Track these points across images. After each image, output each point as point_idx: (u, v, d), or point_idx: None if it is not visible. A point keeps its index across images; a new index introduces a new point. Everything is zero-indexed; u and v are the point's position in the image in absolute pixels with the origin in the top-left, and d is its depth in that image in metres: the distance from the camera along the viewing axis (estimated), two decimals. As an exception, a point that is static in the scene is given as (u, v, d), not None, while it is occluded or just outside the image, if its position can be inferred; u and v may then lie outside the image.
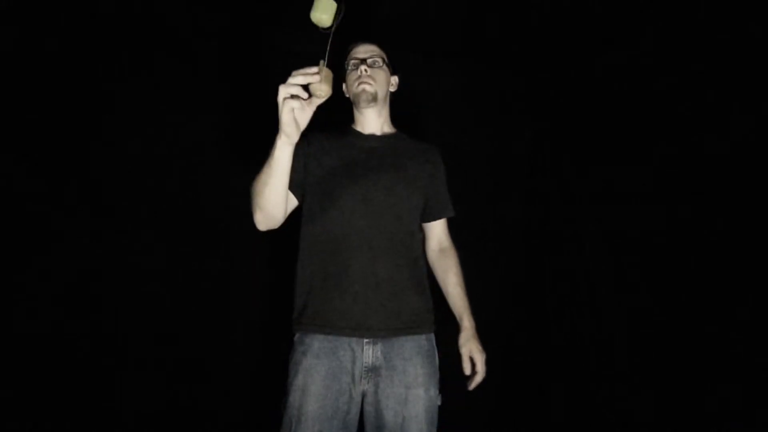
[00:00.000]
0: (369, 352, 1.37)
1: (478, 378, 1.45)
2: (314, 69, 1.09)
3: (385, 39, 1.61)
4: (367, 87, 1.49)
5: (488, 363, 1.46)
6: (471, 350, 1.47)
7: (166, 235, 1.96)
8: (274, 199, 1.28)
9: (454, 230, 1.67)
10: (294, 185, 1.39)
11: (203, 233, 2.00)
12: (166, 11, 1.90)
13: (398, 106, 1.62)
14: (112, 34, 1.84)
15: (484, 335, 1.52)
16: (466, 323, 1.52)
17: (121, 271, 1.90)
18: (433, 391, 1.39)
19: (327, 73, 1.09)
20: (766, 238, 1.56)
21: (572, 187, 2.32)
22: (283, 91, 1.09)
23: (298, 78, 1.08)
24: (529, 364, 2.45)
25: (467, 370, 1.45)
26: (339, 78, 1.49)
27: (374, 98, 1.49)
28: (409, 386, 1.35)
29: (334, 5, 1.12)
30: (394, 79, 1.60)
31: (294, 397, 1.31)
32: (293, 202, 1.43)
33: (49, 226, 1.80)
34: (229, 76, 2.00)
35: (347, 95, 1.57)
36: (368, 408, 1.36)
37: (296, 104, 1.10)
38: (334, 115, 1.50)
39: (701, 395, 1.73)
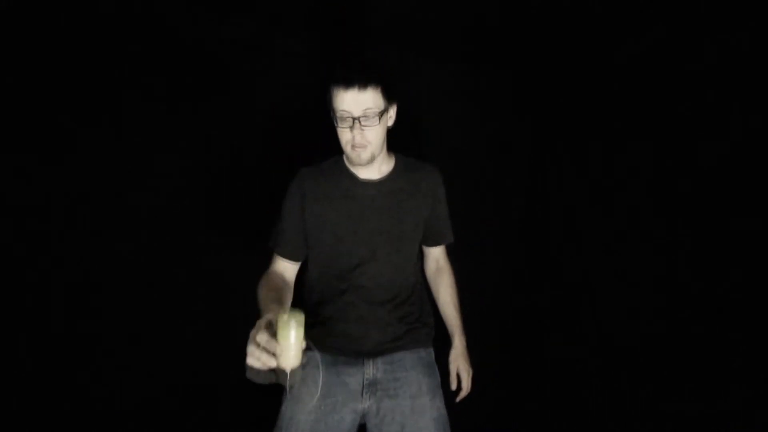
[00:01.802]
0: (369, 365, 1.38)
1: (463, 393, 1.55)
2: (273, 348, 0.96)
3: (385, 40, 1.59)
4: (363, 153, 1.33)
5: (487, 364, 1.49)
6: (459, 367, 1.55)
7: (168, 236, 1.96)
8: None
9: (454, 230, 1.68)
10: (299, 254, 1.44)
11: (204, 234, 2.01)
12: (166, 11, 1.90)
13: (398, 106, 1.61)
14: (111, 34, 1.84)
15: (483, 335, 1.54)
16: (457, 341, 1.58)
17: (121, 272, 1.91)
18: (440, 402, 1.39)
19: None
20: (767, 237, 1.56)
21: (572, 187, 2.32)
22: (253, 363, 0.98)
23: (260, 357, 0.96)
24: (528, 365, 2.45)
25: (453, 386, 1.54)
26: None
27: (371, 160, 1.36)
28: (414, 396, 1.34)
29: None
30: (393, 111, 1.39)
31: (286, 406, 1.31)
32: (298, 266, 1.46)
33: (48, 226, 1.80)
34: (227, 76, 2.00)
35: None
36: (372, 429, 1.35)
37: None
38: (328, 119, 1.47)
39: (701, 395, 1.73)
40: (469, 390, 1.55)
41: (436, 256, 1.64)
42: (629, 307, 2.02)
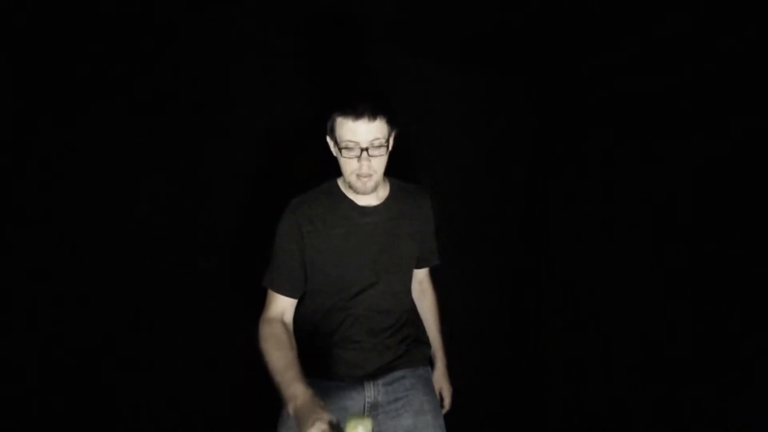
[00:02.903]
0: (370, 387, 1.38)
1: (444, 410, 1.63)
2: None
3: (385, 41, 1.58)
4: (369, 182, 1.31)
5: (486, 365, 1.51)
6: (441, 387, 1.65)
7: (166, 238, 1.96)
8: None
9: (455, 231, 1.68)
10: (298, 290, 1.42)
11: (204, 233, 2.01)
12: (165, 11, 1.89)
13: (400, 107, 1.60)
14: (111, 34, 1.84)
15: (483, 334, 1.54)
16: (440, 363, 1.67)
17: (118, 274, 1.90)
18: (441, 420, 1.41)
19: None
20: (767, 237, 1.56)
21: (572, 187, 2.32)
22: None
23: None
24: (527, 365, 2.45)
25: None
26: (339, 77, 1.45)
27: (375, 188, 1.36)
28: (416, 414, 1.36)
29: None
30: (393, 136, 1.36)
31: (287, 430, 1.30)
32: (296, 301, 1.43)
33: (49, 225, 1.80)
34: (225, 76, 2.00)
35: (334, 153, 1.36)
36: None
37: None
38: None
39: (701, 395, 1.73)
40: (450, 407, 1.65)
41: (420, 278, 1.66)
42: (629, 306, 2.02)
